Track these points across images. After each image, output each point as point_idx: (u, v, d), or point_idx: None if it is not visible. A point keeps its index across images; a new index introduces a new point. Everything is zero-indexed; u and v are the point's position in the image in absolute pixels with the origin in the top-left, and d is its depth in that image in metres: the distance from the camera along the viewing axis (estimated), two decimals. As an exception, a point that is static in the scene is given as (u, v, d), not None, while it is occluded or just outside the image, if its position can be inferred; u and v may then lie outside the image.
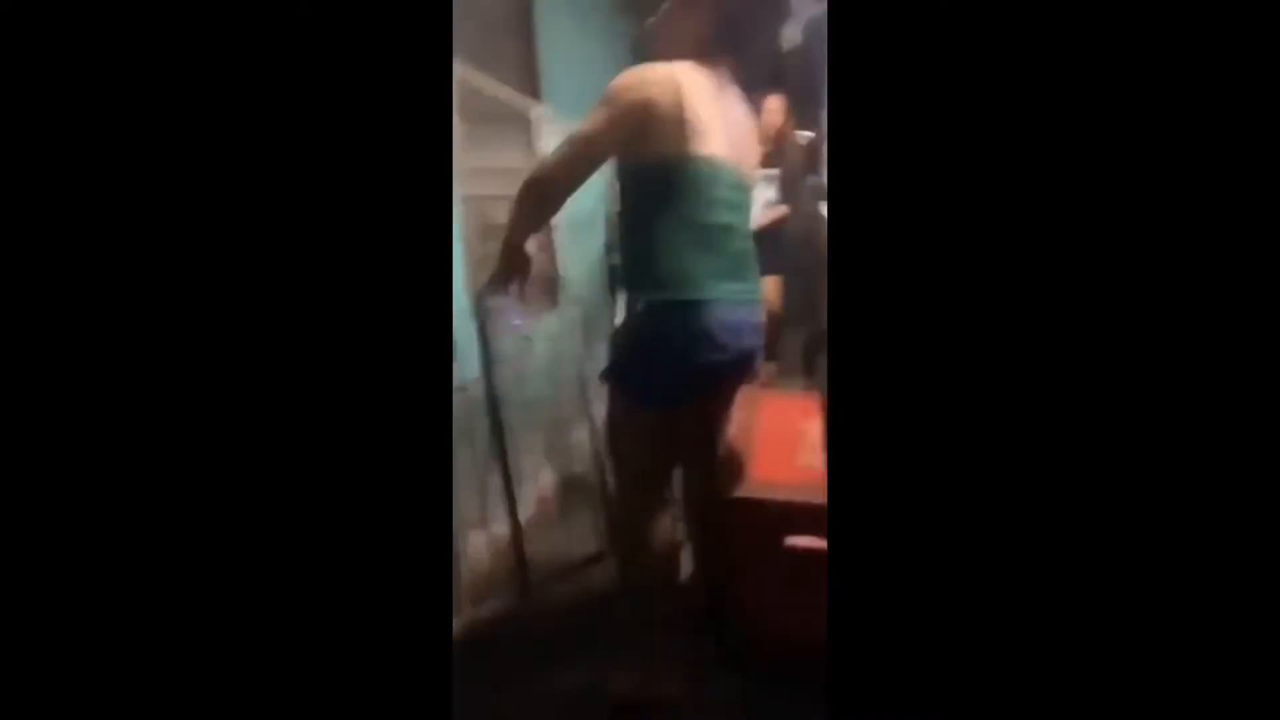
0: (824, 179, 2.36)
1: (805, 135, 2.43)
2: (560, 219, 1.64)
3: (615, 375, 1.12)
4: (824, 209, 2.22)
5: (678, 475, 1.27)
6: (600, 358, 2.22)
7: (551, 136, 1.77)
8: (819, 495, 1.15)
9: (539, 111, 1.74)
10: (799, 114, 2.33)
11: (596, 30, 2.31)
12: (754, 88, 2.04)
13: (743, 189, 1.11)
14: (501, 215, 1.18)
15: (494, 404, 1.41)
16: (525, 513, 1.51)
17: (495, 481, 1.46)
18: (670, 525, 1.19)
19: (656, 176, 1.01)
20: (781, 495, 1.17)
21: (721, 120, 1.03)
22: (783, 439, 1.44)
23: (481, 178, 1.59)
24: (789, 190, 2.31)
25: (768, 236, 2.01)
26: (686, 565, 1.33)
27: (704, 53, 1.07)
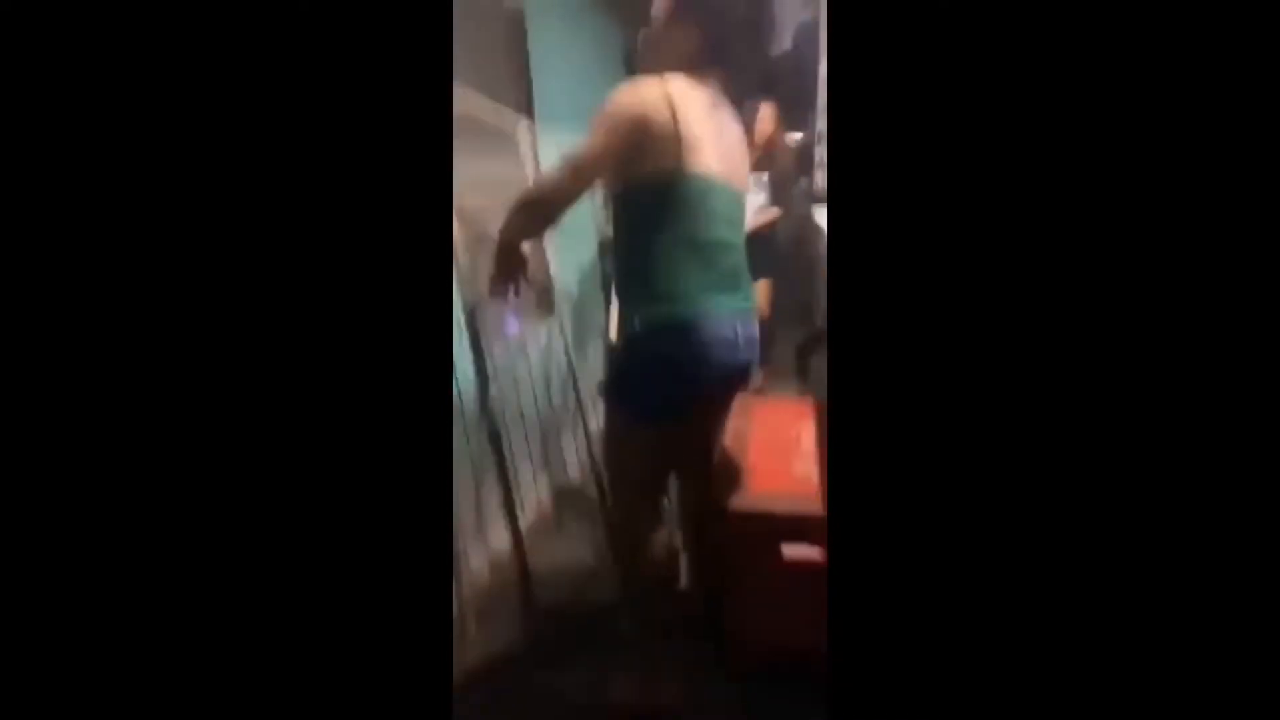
0: (816, 181, 2.37)
1: (794, 136, 2.44)
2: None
3: (613, 391, 1.13)
4: (815, 211, 2.24)
5: (673, 485, 1.28)
6: (593, 364, 2.23)
7: (543, 150, 1.77)
8: (815, 506, 1.17)
9: (524, 125, 1.75)
10: (790, 118, 2.34)
11: (588, 38, 2.30)
12: (744, 95, 2.05)
13: (736, 203, 1.11)
14: (487, 225, 1.18)
15: (490, 414, 1.41)
16: (524, 523, 1.52)
17: (491, 491, 1.46)
18: (668, 535, 1.20)
19: (652, 194, 1.01)
20: (778, 506, 1.18)
21: (715, 134, 1.04)
22: (777, 446, 1.45)
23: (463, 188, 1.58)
24: (780, 193, 2.33)
25: (758, 239, 2.02)
26: (684, 574, 1.34)
27: (695, 65, 1.07)
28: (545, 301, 1.86)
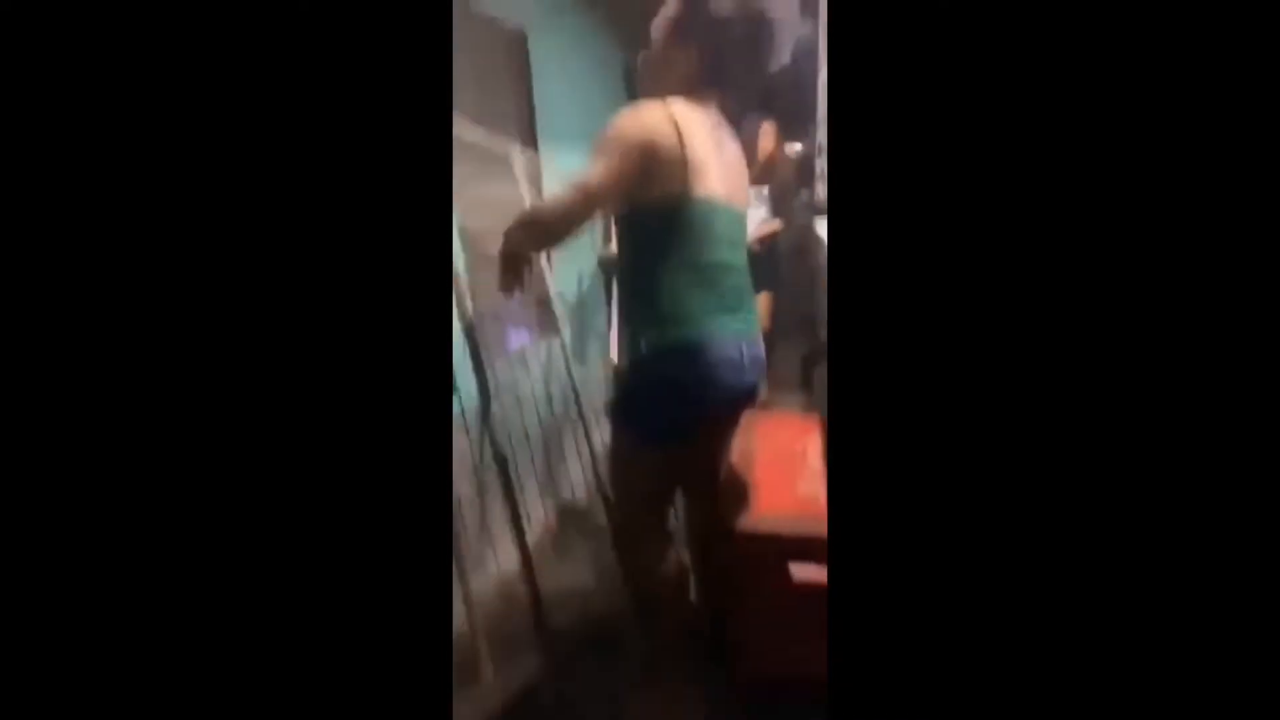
0: (816, 193, 2.37)
1: (794, 148, 2.44)
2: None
3: (619, 413, 1.12)
4: (816, 223, 2.24)
5: (680, 504, 1.27)
6: (593, 380, 2.23)
7: (545, 172, 1.77)
8: (821, 528, 1.15)
9: (519, 149, 1.75)
10: (790, 131, 2.34)
11: (589, 61, 2.32)
12: (744, 111, 2.05)
13: (739, 224, 1.11)
14: (488, 247, 1.18)
15: (493, 433, 1.40)
16: (530, 542, 1.51)
17: (496, 510, 1.45)
18: (676, 554, 1.19)
19: (658, 218, 1.01)
20: (784, 527, 1.17)
21: (717, 156, 1.04)
22: (782, 463, 1.44)
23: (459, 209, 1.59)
24: (780, 205, 2.32)
25: (759, 252, 2.02)
26: (692, 594, 1.33)
27: (695, 86, 1.08)
28: (546, 315, 1.86)
